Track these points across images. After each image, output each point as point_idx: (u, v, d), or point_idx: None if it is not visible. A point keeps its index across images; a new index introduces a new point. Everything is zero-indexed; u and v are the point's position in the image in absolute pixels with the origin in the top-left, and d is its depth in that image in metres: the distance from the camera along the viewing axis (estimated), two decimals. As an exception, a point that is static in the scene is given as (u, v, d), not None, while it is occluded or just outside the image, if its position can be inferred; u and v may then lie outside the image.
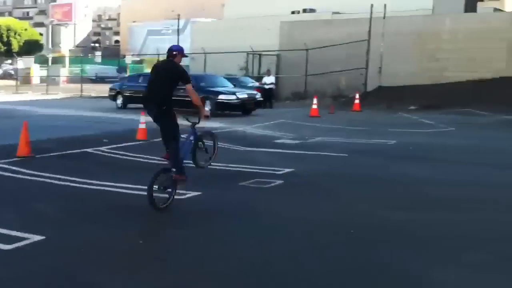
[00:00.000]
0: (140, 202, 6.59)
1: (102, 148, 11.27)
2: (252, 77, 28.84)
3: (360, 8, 28.25)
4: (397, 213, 6.69)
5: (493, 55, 24.76)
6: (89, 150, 11.03)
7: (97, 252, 5.17)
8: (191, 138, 6.95)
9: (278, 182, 8.45)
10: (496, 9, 32.97)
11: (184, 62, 7.22)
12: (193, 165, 7.15)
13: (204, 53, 31.70)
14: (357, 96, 23.40)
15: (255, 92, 21.12)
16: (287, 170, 9.40)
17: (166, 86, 6.56)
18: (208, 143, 7.31)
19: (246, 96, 19.76)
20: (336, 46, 27.67)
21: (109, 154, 10.79)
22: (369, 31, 26.52)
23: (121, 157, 10.57)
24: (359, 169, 9.85)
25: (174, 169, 6.59)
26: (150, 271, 4.71)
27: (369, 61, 26.64)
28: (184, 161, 6.87)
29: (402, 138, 13.95)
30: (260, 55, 31.78)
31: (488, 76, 24.45)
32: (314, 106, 20.22)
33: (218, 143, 7.73)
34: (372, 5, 25.92)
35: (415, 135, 15.13)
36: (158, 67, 6.91)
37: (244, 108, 19.61)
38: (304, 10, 37.66)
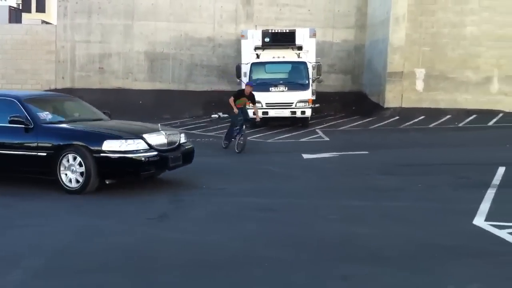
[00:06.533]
0: None
1: None
2: None
3: None
4: None
5: (42, 66, 25.01)
6: None
7: None
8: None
9: None
10: (43, 21, 33.58)
11: None
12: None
13: None
14: None
15: (175, 131, 9.69)
16: None
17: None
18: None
19: (165, 141, 8.86)
20: None
21: None
22: None
23: None
24: None
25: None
26: None
27: None
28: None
29: None
30: None
31: (38, 87, 24.59)
32: None
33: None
34: None
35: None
36: None
37: (165, 166, 8.81)
38: None
